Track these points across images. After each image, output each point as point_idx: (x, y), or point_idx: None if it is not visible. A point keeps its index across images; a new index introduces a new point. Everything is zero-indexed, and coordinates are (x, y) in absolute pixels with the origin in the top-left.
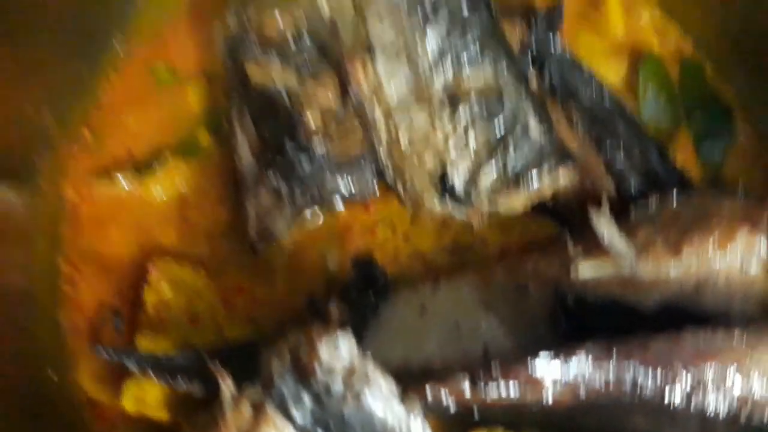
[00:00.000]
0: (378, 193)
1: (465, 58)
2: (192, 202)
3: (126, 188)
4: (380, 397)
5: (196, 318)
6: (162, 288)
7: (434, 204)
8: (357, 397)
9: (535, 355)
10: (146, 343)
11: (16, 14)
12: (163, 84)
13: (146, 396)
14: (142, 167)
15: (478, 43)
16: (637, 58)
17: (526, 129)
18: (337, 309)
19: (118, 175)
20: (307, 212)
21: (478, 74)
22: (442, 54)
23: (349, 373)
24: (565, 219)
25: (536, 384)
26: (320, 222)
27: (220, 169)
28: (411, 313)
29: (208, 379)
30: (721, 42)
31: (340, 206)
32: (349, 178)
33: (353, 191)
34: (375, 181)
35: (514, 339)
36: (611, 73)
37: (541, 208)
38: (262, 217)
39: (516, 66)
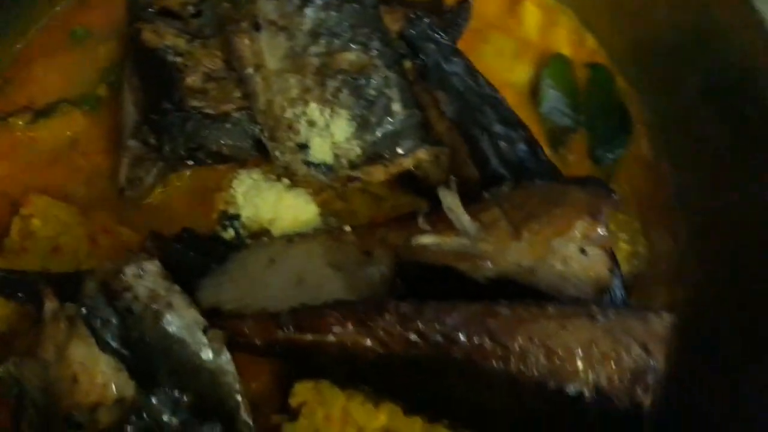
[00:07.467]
0: (255, 155)
1: (338, 38)
2: (81, 148)
3: (21, 132)
4: (180, 323)
5: (59, 249)
6: (32, 219)
7: (302, 169)
8: (156, 319)
9: (341, 305)
10: (2, 265)
11: None
12: (78, 42)
13: None
14: (40, 114)
15: (351, 25)
16: (546, 60)
17: (388, 110)
18: (153, 241)
19: (17, 120)
20: (178, 168)
21: (349, 54)
22: (317, 32)
23: (152, 297)
24: (429, 197)
25: (338, 329)
26: (191, 177)
27: (113, 122)
28: (258, 264)
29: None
30: (632, 56)
31: (209, 163)
32: (225, 137)
33: (228, 151)
34: (252, 143)
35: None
36: (518, 73)
37: (410, 185)
38: (133, 166)
39: (388, 49)
